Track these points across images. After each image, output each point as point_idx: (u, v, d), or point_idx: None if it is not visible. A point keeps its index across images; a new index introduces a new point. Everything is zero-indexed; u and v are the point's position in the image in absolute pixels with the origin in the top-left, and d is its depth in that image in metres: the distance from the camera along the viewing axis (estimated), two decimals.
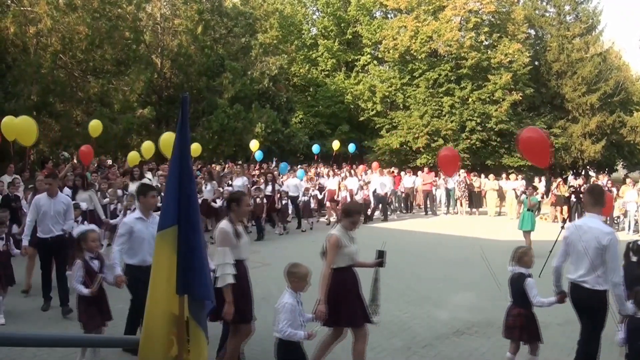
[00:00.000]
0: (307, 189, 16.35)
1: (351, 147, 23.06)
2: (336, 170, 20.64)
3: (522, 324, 5.25)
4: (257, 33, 26.73)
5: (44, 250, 7.49)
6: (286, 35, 31.55)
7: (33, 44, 17.50)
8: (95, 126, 14.58)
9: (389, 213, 19.21)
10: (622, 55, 37.60)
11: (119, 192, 12.04)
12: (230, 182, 15.51)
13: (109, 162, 18.79)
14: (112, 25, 18.85)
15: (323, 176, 19.78)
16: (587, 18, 32.82)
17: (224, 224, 5.12)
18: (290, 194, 16.00)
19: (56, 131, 18.99)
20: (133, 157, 15.08)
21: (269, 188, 15.63)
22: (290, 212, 16.54)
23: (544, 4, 34.24)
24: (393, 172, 21.52)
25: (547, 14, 34.14)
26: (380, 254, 5.32)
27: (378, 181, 18.53)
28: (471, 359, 6.02)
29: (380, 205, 18.67)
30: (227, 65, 24.64)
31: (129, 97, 19.52)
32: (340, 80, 32.91)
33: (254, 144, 20.39)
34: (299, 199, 16.07)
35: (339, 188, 17.33)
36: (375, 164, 21.19)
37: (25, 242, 7.35)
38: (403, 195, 21.38)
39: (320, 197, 17.93)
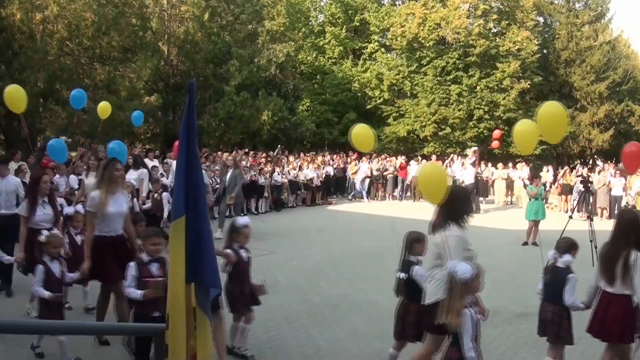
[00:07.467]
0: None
1: (136, 118, 13.91)
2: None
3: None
4: (264, 20, 26.58)
5: None
6: (293, 23, 31.37)
7: (39, 30, 17.42)
8: (104, 107, 12.91)
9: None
10: (630, 44, 37.34)
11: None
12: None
13: None
14: (118, 12, 18.79)
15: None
16: (596, 6, 32.61)
17: None
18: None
19: (63, 118, 19.02)
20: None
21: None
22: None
23: None
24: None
25: (556, 2, 33.96)
26: None
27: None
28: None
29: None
30: (233, 52, 24.54)
31: (135, 84, 19.51)
32: (347, 68, 32.72)
33: None
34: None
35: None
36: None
37: None
38: (410, 183, 21.38)
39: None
